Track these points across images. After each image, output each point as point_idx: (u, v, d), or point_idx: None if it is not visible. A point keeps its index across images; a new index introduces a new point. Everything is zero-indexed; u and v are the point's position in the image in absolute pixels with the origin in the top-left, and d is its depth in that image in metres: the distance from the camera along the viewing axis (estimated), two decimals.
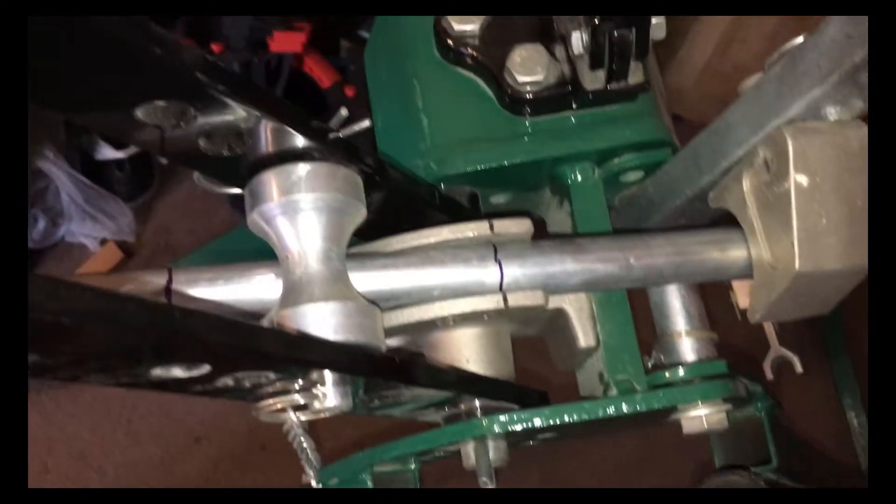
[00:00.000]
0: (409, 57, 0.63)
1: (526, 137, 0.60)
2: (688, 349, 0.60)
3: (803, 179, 0.47)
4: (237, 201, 1.47)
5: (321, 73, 1.48)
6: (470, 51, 0.60)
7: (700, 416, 0.57)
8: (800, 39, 0.46)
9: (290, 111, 0.42)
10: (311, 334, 0.41)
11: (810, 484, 0.82)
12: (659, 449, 1.52)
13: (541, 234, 0.66)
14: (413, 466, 0.64)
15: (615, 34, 0.52)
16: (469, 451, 0.55)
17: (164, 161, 1.65)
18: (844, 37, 0.43)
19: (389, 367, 0.43)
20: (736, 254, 0.52)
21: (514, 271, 0.50)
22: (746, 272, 0.52)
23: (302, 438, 0.50)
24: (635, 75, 0.56)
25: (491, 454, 0.55)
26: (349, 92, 1.45)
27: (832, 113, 0.48)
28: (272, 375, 0.38)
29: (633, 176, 0.62)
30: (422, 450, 0.57)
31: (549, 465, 1.63)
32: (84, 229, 1.77)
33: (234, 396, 0.41)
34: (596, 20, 0.52)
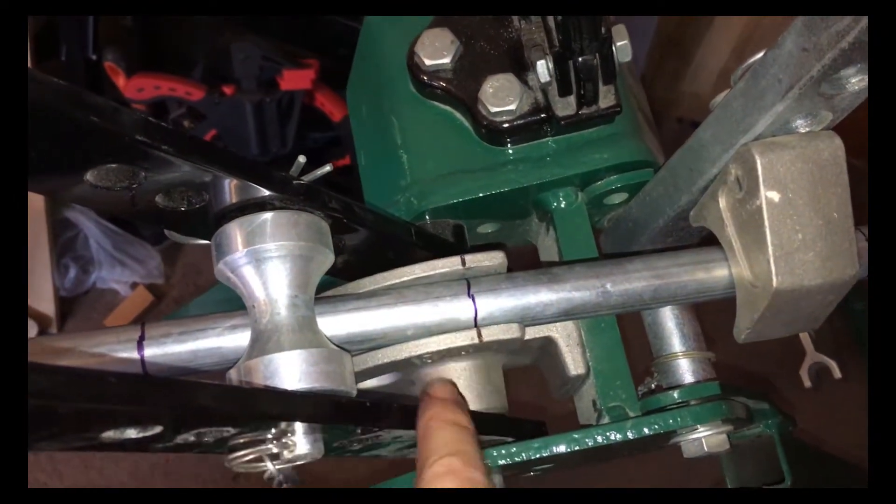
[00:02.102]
0: (385, 94, 0.63)
1: (505, 167, 0.59)
2: (685, 370, 0.59)
3: (774, 195, 0.46)
4: None
5: (332, 107, 1.49)
6: (443, 84, 0.60)
7: (700, 438, 0.56)
8: (761, 54, 0.45)
9: (241, 165, 0.42)
10: (267, 386, 0.41)
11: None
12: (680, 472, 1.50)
13: (535, 261, 0.65)
14: None
15: (579, 61, 0.52)
16: None
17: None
18: (800, 50, 0.42)
19: (358, 412, 0.42)
20: (717, 273, 0.51)
21: (489, 305, 0.49)
22: (729, 292, 0.51)
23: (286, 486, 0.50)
24: (606, 99, 0.55)
25: None
26: None
27: (801, 126, 0.47)
28: (232, 430, 0.38)
29: (617, 198, 0.61)
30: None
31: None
32: (114, 275, 1.80)
33: (203, 451, 0.41)
34: (559, 49, 0.52)
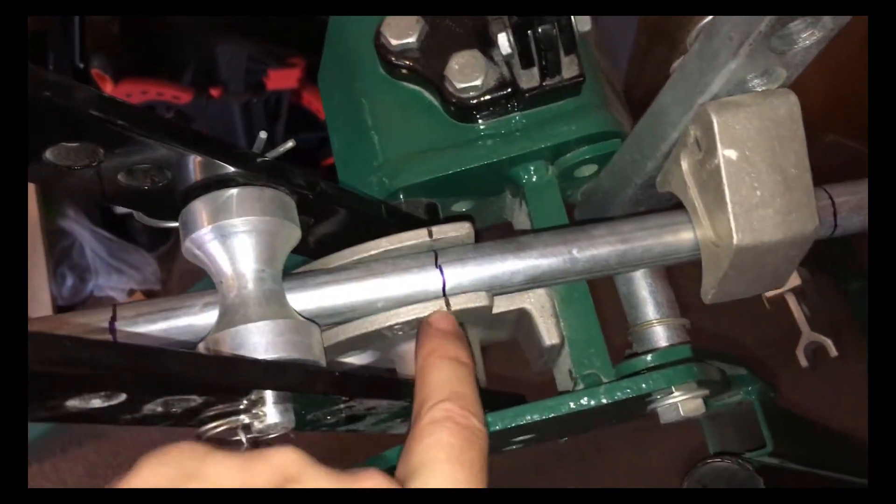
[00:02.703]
0: (355, 77, 0.64)
1: (475, 143, 0.60)
2: (660, 337, 0.59)
3: (732, 154, 0.46)
4: None
5: (319, 106, 1.50)
6: (410, 63, 0.60)
7: (676, 403, 0.56)
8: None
9: (203, 141, 0.43)
10: (234, 355, 0.42)
11: (824, 467, 0.80)
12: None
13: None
14: None
15: (539, 31, 0.52)
16: None
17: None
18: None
19: (325, 381, 0.43)
20: (683, 236, 0.52)
21: (457, 275, 0.50)
22: (695, 253, 0.52)
23: None
24: (569, 69, 0.56)
25: None
26: None
27: (758, 85, 0.47)
28: (197, 398, 0.39)
29: (587, 170, 0.62)
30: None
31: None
32: (111, 282, 1.81)
33: (174, 423, 0.42)
34: (518, 19, 0.53)
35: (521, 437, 0.58)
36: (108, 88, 1.46)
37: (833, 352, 1.57)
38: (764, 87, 0.47)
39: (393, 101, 0.62)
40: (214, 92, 1.48)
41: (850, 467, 0.85)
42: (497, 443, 0.57)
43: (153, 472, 0.35)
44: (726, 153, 0.46)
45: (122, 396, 0.36)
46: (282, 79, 1.47)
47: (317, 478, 0.37)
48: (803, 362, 1.59)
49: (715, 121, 0.46)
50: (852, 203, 0.53)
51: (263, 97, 1.48)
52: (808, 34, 0.43)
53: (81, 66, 1.48)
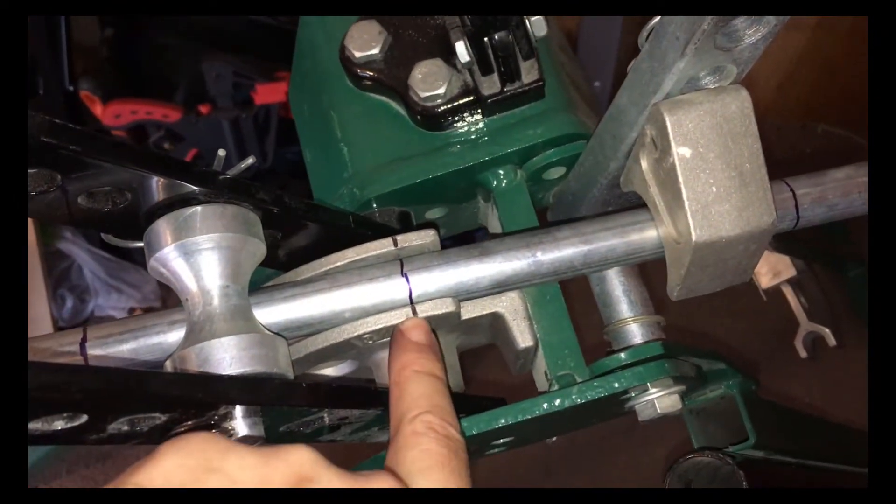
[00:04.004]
0: (323, 90, 0.64)
1: (442, 151, 0.60)
2: (635, 335, 0.60)
3: (685, 151, 0.47)
4: None
5: None
6: (375, 75, 0.61)
7: (652, 400, 0.57)
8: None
9: (161, 162, 0.44)
10: (200, 371, 0.42)
11: (816, 458, 0.80)
12: None
13: None
14: None
15: (495, 38, 0.53)
16: None
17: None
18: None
19: (291, 393, 0.44)
20: (646, 235, 0.52)
21: (423, 282, 0.51)
22: (658, 251, 0.52)
23: None
24: (529, 74, 0.57)
25: None
26: None
27: (710, 82, 0.48)
28: (161, 416, 0.39)
29: (556, 173, 0.62)
30: None
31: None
32: (111, 302, 1.82)
33: (143, 441, 0.43)
34: (474, 27, 0.53)
35: (500, 441, 0.59)
36: (98, 110, 1.48)
37: (832, 341, 1.57)
38: (716, 85, 0.48)
39: (361, 113, 0.63)
40: (203, 109, 1.49)
41: (845, 457, 0.85)
42: (477, 447, 0.58)
43: (175, 463, 0.35)
44: (680, 151, 0.47)
45: (84, 418, 0.36)
46: (270, 93, 1.48)
47: (331, 478, 0.38)
48: (802, 353, 1.60)
49: (667, 120, 0.47)
50: (814, 195, 0.53)
51: (252, 112, 1.49)
52: (752, 31, 0.44)
53: (71, 88, 1.49)
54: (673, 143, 0.47)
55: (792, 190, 0.53)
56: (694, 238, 0.47)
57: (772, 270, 1.58)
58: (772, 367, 1.62)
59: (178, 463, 0.36)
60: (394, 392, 0.47)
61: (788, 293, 1.57)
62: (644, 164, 0.51)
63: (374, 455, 0.56)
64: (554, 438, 0.73)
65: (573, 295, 0.62)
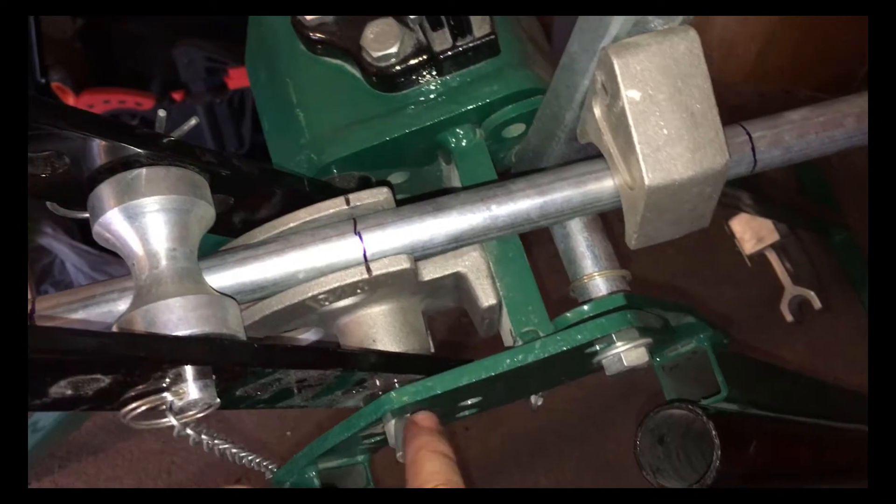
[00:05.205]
0: (278, 56, 0.64)
1: (399, 112, 0.60)
2: (600, 290, 0.59)
3: (635, 94, 0.46)
4: None
5: None
6: (327, 37, 0.60)
7: (619, 353, 0.56)
8: None
9: (103, 124, 0.43)
10: (134, 330, 0.42)
11: (796, 412, 0.80)
12: None
13: None
14: (361, 458, 0.65)
15: None
16: (390, 429, 0.55)
17: None
18: None
19: (242, 352, 0.43)
20: (602, 184, 0.52)
21: (377, 241, 0.50)
22: (615, 201, 0.52)
23: (205, 438, 0.51)
24: (481, 28, 0.56)
25: None
26: None
27: (658, 24, 0.47)
28: (104, 378, 0.39)
29: (515, 130, 0.62)
30: (349, 436, 0.57)
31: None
32: None
33: (92, 407, 0.42)
34: None
35: (469, 402, 0.58)
36: (71, 101, 1.46)
37: (817, 304, 1.57)
38: (665, 27, 0.47)
39: (316, 78, 0.62)
40: (177, 96, 1.48)
41: (824, 411, 0.84)
42: (445, 409, 0.57)
43: None
44: (629, 94, 0.46)
45: None
46: (243, 77, 1.46)
47: None
48: (788, 317, 1.60)
49: (615, 63, 0.46)
50: (770, 137, 0.52)
51: (226, 96, 1.48)
52: None
53: (42, 80, 1.48)
54: (622, 87, 0.46)
55: (748, 133, 0.52)
56: (647, 182, 0.46)
57: (755, 236, 1.57)
58: (759, 333, 1.62)
59: None
60: (411, 470, 0.51)
61: (773, 258, 1.57)
62: (597, 111, 0.50)
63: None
64: (539, 403, 0.72)
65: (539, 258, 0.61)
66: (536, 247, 0.62)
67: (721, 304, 1.67)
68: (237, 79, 1.46)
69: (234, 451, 0.57)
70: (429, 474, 0.50)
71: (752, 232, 1.59)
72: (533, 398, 0.72)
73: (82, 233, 1.79)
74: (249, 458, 0.59)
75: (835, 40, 1.70)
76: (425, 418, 0.54)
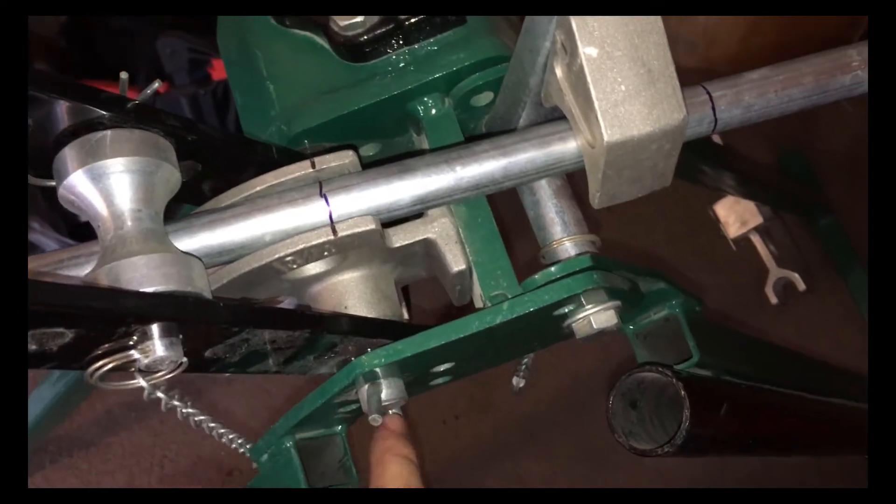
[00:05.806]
0: (248, 30, 0.64)
1: (367, 82, 0.60)
2: (569, 254, 0.60)
3: (592, 51, 0.47)
4: None
5: None
6: None
7: (588, 316, 0.57)
8: None
9: (66, 86, 0.43)
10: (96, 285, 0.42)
11: (771, 382, 0.81)
12: None
13: None
14: (339, 428, 0.65)
15: None
16: (363, 395, 0.56)
17: None
18: None
19: (207, 310, 0.44)
20: (566, 145, 0.52)
21: (343, 203, 0.51)
22: (578, 161, 0.52)
23: (178, 404, 0.51)
24: None
25: (384, 393, 0.55)
26: None
27: None
28: (66, 332, 0.39)
29: (484, 98, 0.62)
30: (323, 403, 0.57)
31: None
32: None
33: (59, 365, 0.42)
34: None
35: (441, 368, 0.59)
36: None
37: (801, 286, 1.58)
38: None
39: (285, 50, 0.62)
40: (160, 88, 1.48)
41: (800, 382, 0.85)
42: (416, 376, 0.58)
43: None
44: (587, 51, 0.47)
45: None
46: None
47: None
48: (773, 299, 1.60)
49: (573, 21, 0.47)
50: (730, 97, 0.53)
51: (210, 88, 1.48)
52: None
53: None
54: (580, 44, 0.47)
55: (708, 93, 0.53)
56: (606, 138, 0.47)
57: (739, 220, 1.58)
58: (745, 316, 1.63)
59: None
60: (376, 470, 0.55)
61: (757, 241, 1.58)
62: (558, 71, 0.51)
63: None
64: (521, 385, 0.73)
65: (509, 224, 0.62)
66: (518, 242, 0.63)
67: (706, 289, 1.68)
68: (221, 70, 1.47)
69: (211, 424, 0.58)
70: (391, 476, 0.54)
71: (736, 216, 1.59)
72: (514, 380, 0.73)
73: (68, 227, 1.79)
74: (221, 430, 0.59)
75: (817, 22, 1.71)
76: (394, 421, 0.57)
